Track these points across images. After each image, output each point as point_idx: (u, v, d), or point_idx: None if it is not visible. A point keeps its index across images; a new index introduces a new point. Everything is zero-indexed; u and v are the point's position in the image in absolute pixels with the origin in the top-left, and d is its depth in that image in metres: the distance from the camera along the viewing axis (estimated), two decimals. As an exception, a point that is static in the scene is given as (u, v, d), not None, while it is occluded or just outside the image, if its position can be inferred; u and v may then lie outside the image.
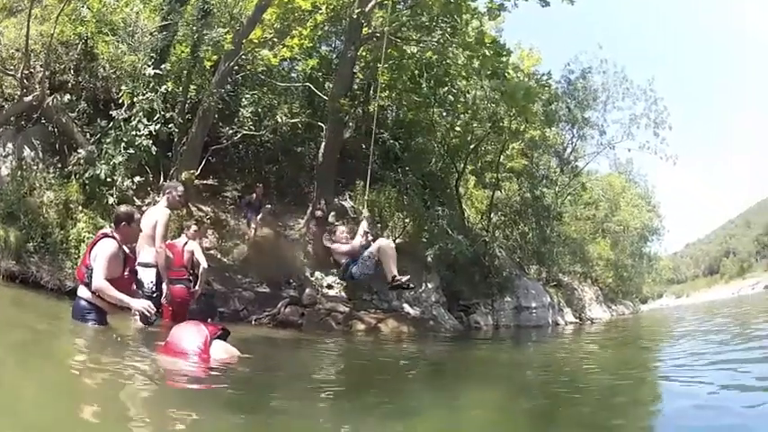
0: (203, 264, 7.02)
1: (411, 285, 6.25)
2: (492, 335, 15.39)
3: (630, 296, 40.99)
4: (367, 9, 12.34)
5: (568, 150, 29.05)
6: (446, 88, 16.24)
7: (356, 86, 16.26)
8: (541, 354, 10.09)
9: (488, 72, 12.93)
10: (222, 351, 4.03)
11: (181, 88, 12.20)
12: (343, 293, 12.44)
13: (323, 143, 13.70)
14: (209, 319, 4.91)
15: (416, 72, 15.14)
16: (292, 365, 5.89)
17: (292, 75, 17.45)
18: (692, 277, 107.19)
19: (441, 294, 15.56)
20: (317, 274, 12.63)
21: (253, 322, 10.08)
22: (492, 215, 21.21)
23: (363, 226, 6.31)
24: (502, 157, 20.48)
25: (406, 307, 13.84)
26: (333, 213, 13.75)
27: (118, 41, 11.74)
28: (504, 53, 12.93)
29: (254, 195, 12.98)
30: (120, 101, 10.32)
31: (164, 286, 5.73)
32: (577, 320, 23.18)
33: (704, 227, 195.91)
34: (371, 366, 6.52)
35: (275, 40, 13.09)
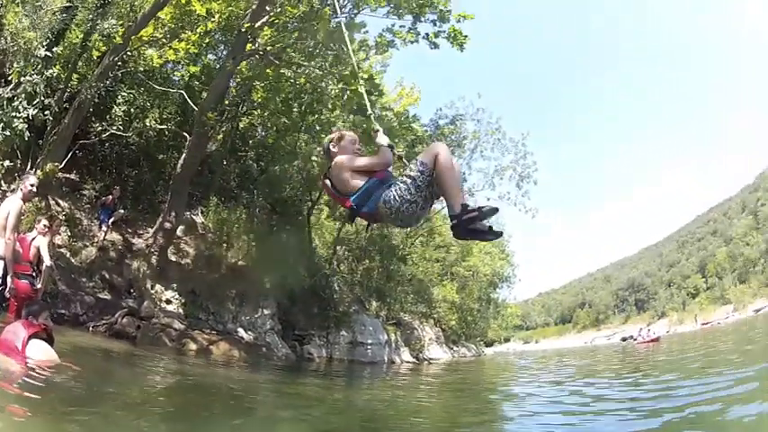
0: (47, 261, 7.48)
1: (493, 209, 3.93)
2: (324, 368, 17.68)
3: (474, 339, 47.24)
4: (257, 25, 14.09)
5: None
6: (315, 116, 18.55)
7: (229, 101, 17.93)
8: (367, 393, 11.54)
9: (354, 107, 15.29)
10: (40, 352, 4.62)
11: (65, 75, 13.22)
12: (180, 310, 14.29)
13: (184, 154, 15.20)
14: (30, 318, 5.08)
15: (290, 96, 17.28)
16: (110, 381, 6.54)
17: (174, 78, 18.76)
18: (542, 324, 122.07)
19: (276, 322, 17.88)
20: (158, 287, 14.30)
21: (90, 329, 11.49)
22: (338, 248, 24.41)
23: (383, 139, 4.44)
24: None
25: (240, 331, 16.06)
26: (182, 227, 15.61)
27: (25, 15, 12.67)
28: (376, 92, 15.73)
29: (110, 197, 14.35)
30: (10, 78, 11.33)
31: (8, 280, 6.39)
32: (415, 360, 26.87)
33: (560, 278, 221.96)
34: (186, 391, 7.19)
35: (164, 40, 14.61)
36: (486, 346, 59.72)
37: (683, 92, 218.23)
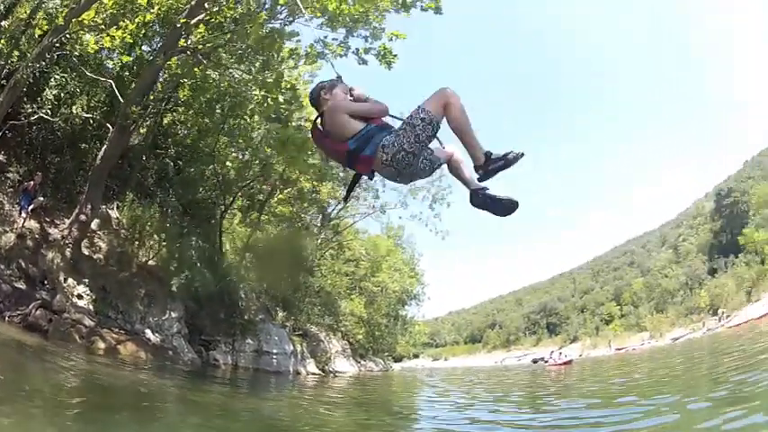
0: None
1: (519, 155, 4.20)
2: (230, 375, 18.71)
3: (382, 354, 49.27)
4: (192, 21, 14.91)
5: (337, 207, 35.15)
6: (236, 121, 19.65)
7: (154, 96, 18.46)
8: (271, 404, 12.37)
9: (272, 115, 16.58)
10: None
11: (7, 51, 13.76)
12: (90, 306, 15.13)
13: (105, 145, 15.93)
14: None
15: (213, 97, 18.29)
16: (23, 377, 6.96)
17: (107, 66, 19.13)
18: (452, 342, 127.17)
19: (183, 325, 18.81)
20: (70, 280, 15.09)
21: (6, 319, 12.19)
22: (247, 255, 25.62)
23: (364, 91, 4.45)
24: (271, 200, 25.63)
25: (148, 332, 16.97)
26: (97, 221, 16.49)
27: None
28: (295, 104, 17.00)
29: (32, 183, 14.98)
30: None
31: None
32: (321, 372, 28.28)
33: (471, 298, 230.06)
34: (95, 392, 7.60)
35: (103, 26, 15.14)
36: (396, 361, 62.95)
37: (596, 134, 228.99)
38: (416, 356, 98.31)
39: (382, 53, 15.73)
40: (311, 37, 19.60)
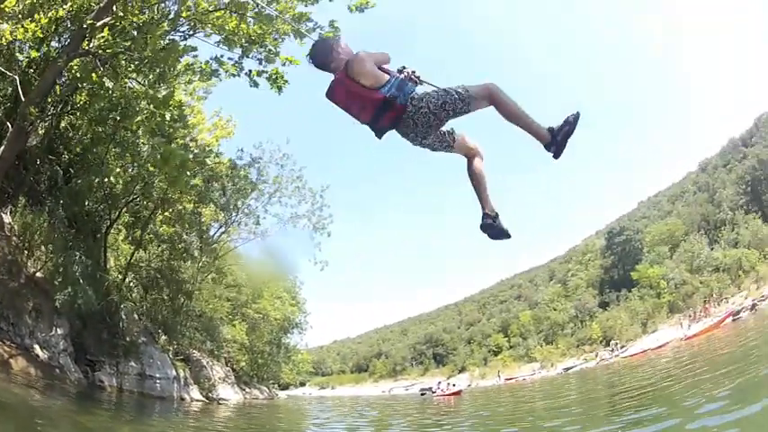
0: None
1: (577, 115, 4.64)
2: (116, 398, 19.41)
3: (267, 381, 50.13)
4: (98, 24, 15.21)
5: (218, 231, 36.62)
6: (126, 133, 19.93)
7: (53, 98, 18.78)
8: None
9: (156, 131, 17.20)
10: None
11: None
12: None
13: (3, 145, 15.91)
14: None
15: (107, 106, 18.44)
16: None
17: (19, 59, 18.76)
18: (338, 371, 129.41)
19: (69, 343, 19.22)
20: None
21: None
22: (129, 274, 26.37)
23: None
24: (156, 219, 26.66)
25: (37, 348, 17.27)
26: None
27: None
28: (180, 122, 17.88)
29: None
30: None
31: None
32: (205, 399, 29.01)
33: (355, 328, 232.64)
34: None
35: (20, 16, 15.49)
36: (282, 389, 63.74)
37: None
38: (303, 384, 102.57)
39: (274, 77, 16.83)
40: (208, 53, 20.37)
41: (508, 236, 4.99)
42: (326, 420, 20.01)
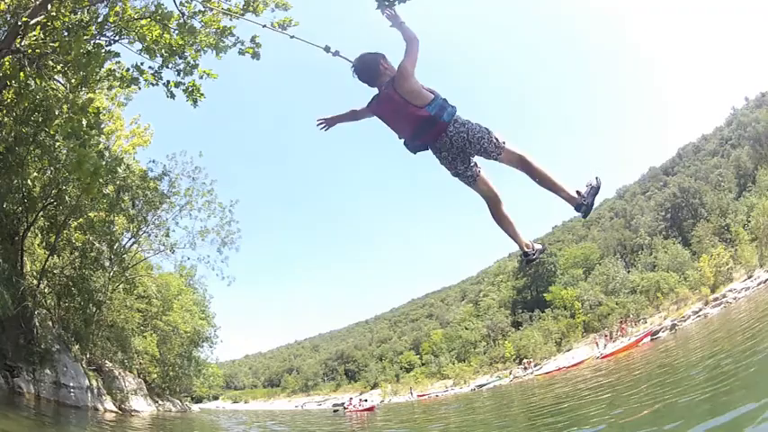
0: None
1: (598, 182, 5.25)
2: (34, 406, 19.49)
3: (180, 394, 50.03)
4: (31, 22, 15.27)
5: (129, 241, 36.77)
6: (48, 136, 19.99)
7: None
8: None
9: (69, 132, 16.48)
10: None
11: None
12: None
13: None
14: None
15: (31, 106, 18.58)
16: None
17: None
18: (250, 386, 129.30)
19: (-12, 349, 19.16)
20: None
21: None
22: (43, 280, 26.18)
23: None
24: (71, 225, 26.68)
25: None
26: None
27: None
28: (96, 128, 17.77)
29: None
30: None
31: None
32: (118, 410, 28.98)
33: (267, 343, 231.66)
34: None
35: None
36: (195, 403, 63.48)
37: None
38: (216, 398, 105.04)
39: (190, 89, 16.98)
40: (131, 60, 20.38)
41: (543, 251, 5.97)
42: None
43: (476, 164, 5.46)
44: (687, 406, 7.15)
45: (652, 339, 45.70)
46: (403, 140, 5.51)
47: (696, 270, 58.24)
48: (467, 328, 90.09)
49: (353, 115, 5.91)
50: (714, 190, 75.85)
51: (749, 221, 58.48)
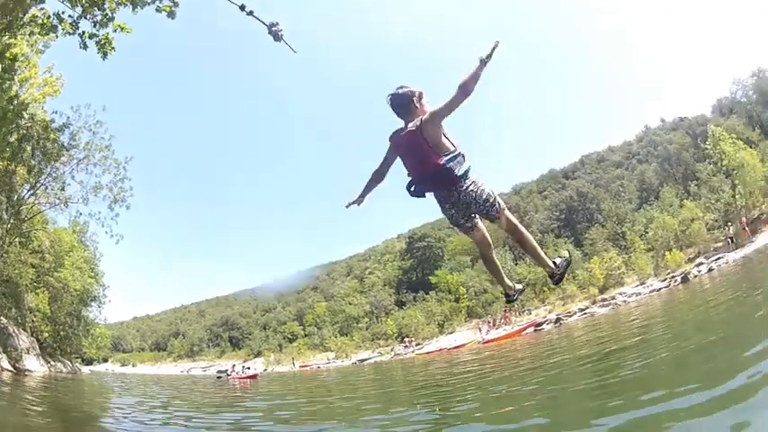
0: None
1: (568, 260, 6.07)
2: None
3: (71, 355, 48.83)
4: None
5: (27, 193, 35.89)
6: None
7: None
8: None
9: None
10: None
11: None
12: None
13: None
14: None
15: None
16: None
17: None
18: (138, 348, 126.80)
19: None
20: None
21: None
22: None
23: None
24: None
25: None
26: None
27: None
28: (8, 74, 17.60)
29: None
30: None
31: None
32: (13, 369, 28.89)
33: (155, 305, 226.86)
34: None
35: None
36: (87, 364, 62.08)
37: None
38: (106, 360, 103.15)
39: (102, 42, 16.53)
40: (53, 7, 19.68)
41: (522, 291, 6.71)
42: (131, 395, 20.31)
43: (474, 216, 5.77)
44: (556, 395, 7.72)
45: (536, 330, 46.98)
46: (408, 182, 5.64)
47: (586, 270, 60.32)
48: (350, 304, 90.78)
49: (377, 176, 6.01)
50: (613, 198, 78.86)
51: (647, 232, 61.17)
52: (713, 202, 60.36)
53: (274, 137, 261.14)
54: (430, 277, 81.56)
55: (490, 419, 7.22)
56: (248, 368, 53.70)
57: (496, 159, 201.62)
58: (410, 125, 5.43)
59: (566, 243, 71.80)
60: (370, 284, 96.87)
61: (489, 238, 6.03)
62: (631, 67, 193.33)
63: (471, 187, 5.43)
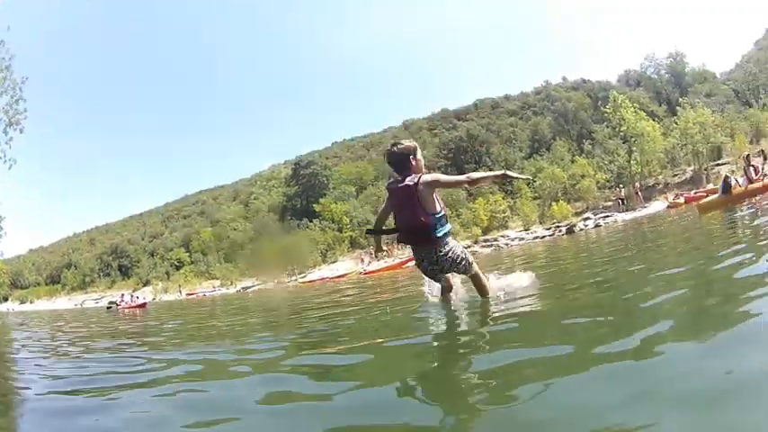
0: None
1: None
2: None
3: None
4: None
5: None
6: None
7: None
8: None
9: None
10: None
11: None
12: None
13: None
14: None
15: None
16: None
17: None
18: (34, 283, 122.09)
19: None
20: None
21: None
22: None
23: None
24: None
25: None
26: None
27: None
28: None
29: None
30: None
31: None
32: None
33: (50, 235, 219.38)
34: None
35: None
36: None
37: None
38: (6, 299, 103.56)
39: None
40: None
41: None
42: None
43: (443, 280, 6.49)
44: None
45: None
46: (396, 224, 6.23)
47: (470, 210, 61.81)
48: (235, 229, 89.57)
49: (381, 222, 6.95)
50: (504, 144, 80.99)
51: (535, 181, 63.16)
52: (606, 162, 62.49)
53: (163, 62, 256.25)
54: (314, 205, 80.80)
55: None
56: (137, 298, 52.98)
57: (392, 95, 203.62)
58: (408, 179, 5.88)
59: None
60: (255, 210, 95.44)
61: (452, 282, 6.65)
62: (543, 23, 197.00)
63: (450, 254, 5.91)
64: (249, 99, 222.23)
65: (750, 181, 20.17)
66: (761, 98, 71.60)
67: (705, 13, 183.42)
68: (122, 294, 59.39)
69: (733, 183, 20.62)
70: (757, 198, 18.26)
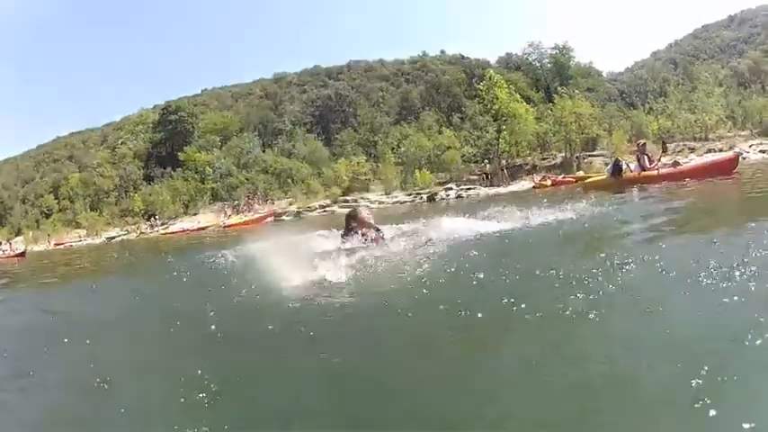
0: None
1: None
2: None
3: None
4: None
5: None
6: None
7: None
8: None
9: None
10: None
11: None
12: None
13: None
14: None
15: None
16: None
17: None
18: None
19: None
20: None
21: None
22: None
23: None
24: None
25: None
26: None
27: None
28: None
29: None
30: None
31: None
32: None
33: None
34: None
35: None
36: None
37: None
38: None
39: None
40: None
41: None
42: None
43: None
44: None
45: (275, 220, 48.02)
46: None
47: (332, 170, 63.46)
48: (102, 176, 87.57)
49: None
50: (371, 108, 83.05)
51: (399, 147, 64.88)
52: (474, 138, 64.55)
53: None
54: (179, 153, 79.52)
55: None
56: (15, 248, 51.50)
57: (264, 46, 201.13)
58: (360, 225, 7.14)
59: (315, 139, 74.66)
60: (122, 155, 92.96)
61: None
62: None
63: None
64: (127, 39, 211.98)
65: (643, 169, 21.17)
66: (648, 103, 74.73)
67: (602, 16, 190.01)
68: (0, 242, 57.86)
69: (624, 167, 21.84)
70: (650, 186, 19.51)
